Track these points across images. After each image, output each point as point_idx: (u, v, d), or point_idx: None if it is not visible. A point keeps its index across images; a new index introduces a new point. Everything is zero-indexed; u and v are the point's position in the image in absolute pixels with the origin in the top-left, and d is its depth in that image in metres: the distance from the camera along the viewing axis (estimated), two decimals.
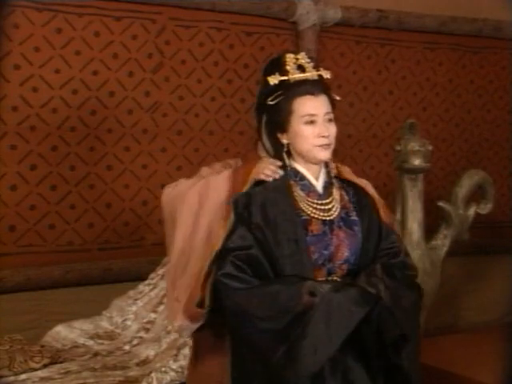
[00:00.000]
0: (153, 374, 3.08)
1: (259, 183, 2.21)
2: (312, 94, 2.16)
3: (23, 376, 3.14)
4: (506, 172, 4.96)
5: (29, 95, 3.63)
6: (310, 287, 2.05)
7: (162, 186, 3.93)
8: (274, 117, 2.20)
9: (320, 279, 2.12)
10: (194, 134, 4.05)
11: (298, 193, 2.19)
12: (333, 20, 4.29)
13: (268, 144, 2.28)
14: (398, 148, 2.82)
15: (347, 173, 2.33)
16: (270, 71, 2.21)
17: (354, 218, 2.20)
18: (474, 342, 3.92)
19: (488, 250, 4.66)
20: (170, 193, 2.49)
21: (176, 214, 2.38)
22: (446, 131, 4.79)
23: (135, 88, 3.88)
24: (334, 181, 2.24)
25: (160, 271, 3.71)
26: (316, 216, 2.16)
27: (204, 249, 2.22)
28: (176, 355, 3.21)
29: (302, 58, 2.21)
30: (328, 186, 2.21)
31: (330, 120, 2.18)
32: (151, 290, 3.67)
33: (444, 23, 4.65)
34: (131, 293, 3.71)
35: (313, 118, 2.15)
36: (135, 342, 3.49)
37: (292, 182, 2.20)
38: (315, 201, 2.18)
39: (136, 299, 3.67)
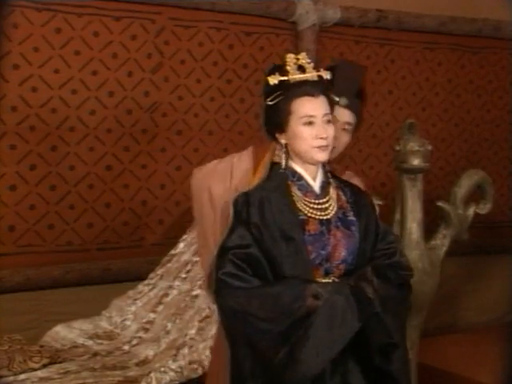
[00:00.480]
0: (152, 374, 3.09)
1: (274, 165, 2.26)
2: (311, 95, 2.15)
3: (22, 376, 3.14)
4: (506, 172, 4.96)
5: (28, 95, 3.63)
6: (313, 290, 2.05)
7: (162, 186, 4.01)
8: (272, 117, 2.21)
9: (321, 280, 2.13)
10: (194, 134, 4.05)
11: (296, 193, 2.19)
12: (332, 20, 4.29)
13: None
14: (398, 148, 2.81)
15: (346, 175, 2.36)
16: (271, 71, 2.21)
17: (352, 218, 2.21)
18: (473, 342, 3.93)
19: (487, 249, 4.67)
20: (198, 172, 2.66)
21: (204, 191, 2.55)
22: (445, 131, 4.79)
23: (134, 88, 3.88)
24: (332, 180, 2.24)
25: (159, 271, 3.71)
26: (313, 216, 2.16)
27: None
28: (175, 355, 3.22)
29: (303, 59, 2.20)
30: (325, 185, 2.22)
31: (328, 121, 2.17)
32: (150, 290, 3.67)
33: (443, 23, 4.64)
34: (130, 293, 3.71)
35: (311, 120, 2.15)
36: (134, 342, 3.49)
37: (289, 182, 2.20)
38: (312, 200, 2.18)
39: (135, 299, 3.67)
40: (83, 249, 3.81)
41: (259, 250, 2.11)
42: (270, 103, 2.18)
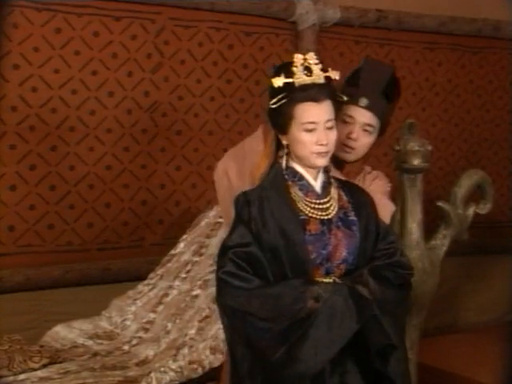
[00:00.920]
0: (152, 374, 3.08)
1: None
2: (315, 100, 2.12)
3: (22, 376, 3.14)
4: (506, 172, 4.96)
5: (28, 95, 3.63)
6: (314, 292, 2.06)
7: (162, 186, 4.01)
8: (275, 119, 2.20)
9: (321, 280, 2.13)
10: (194, 134, 4.05)
11: (297, 193, 2.19)
12: (332, 20, 4.29)
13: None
14: (397, 148, 2.80)
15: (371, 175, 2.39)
16: (276, 72, 2.17)
17: (353, 217, 2.20)
18: (473, 342, 3.93)
19: (487, 250, 4.67)
20: (219, 164, 2.68)
21: (224, 177, 2.60)
22: (445, 131, 4.80)
23: (134, 88, 3.88)
24: (333, 180, 2.24)
25: (159, 271, 3.71)
26: (314, 216, 2.16)
27: None
28: (175, 355, 3.21)
29: (311, 59, 2.15)
30: (326, 185, 2.21)
31: (330, 127, 2.15)
32: (150, 290, 3.67)
33: (443, 23, 4.65)
34: (130, 293, 3.71)
35: (313, 126, 2.13)
36: (134, 342, 3.49)
37: (290, 183, 2.20)
38: (313, 200, 2.18)
39: (135, 299, 3.67)
40: (83, 249, 3.81)
41: (259, 248, 2.11)
42: (273, 106, 2.16)
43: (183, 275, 3.63)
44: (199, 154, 4.05)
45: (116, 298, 3.72)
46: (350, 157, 2.61)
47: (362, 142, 2.56)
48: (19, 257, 3.65)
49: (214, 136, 4.09)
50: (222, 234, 3.28)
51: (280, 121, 2.17)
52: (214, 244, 3.52)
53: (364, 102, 2.54)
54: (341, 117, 2.43)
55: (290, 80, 2.13)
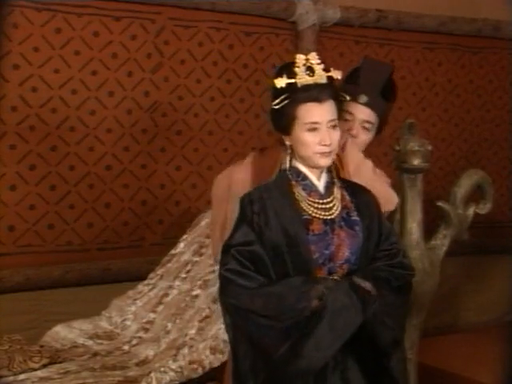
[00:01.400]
0: (152, 374, 3.08)
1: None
2: (318, 100, 2.12)
3: (22, 376, 3.13)
4: (506, 172, 4.96)
5: (28, 95, 3.63)
6: (319, 291, 2.06)
7: (162, 186, 4.00)
8: (277, 120, 2.20)
9: (322, 277, 2.13)
10: (194, 134, 4.05)
11: (300, 193, 2.19)
12: (332, 20, 4.29)
13: None
14: (397, 148, 2.81)
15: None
16: (279, 72, 2.17)
17: (355, 218, 2.21)
18: (473, 342, 3.93)
19: (487, 250, 4.66)
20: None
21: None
22: (445, 131, 4.79)
23: (134, 88, 3.88)
24: (336, 180, 2.24)
25: (159, 271, 3.70)
26: (317, 216, 2.16)
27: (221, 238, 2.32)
28: (175, 355, 3.21)
29: (313, 59, 2.15)
30: (330, 185, 2.22)
31: (333, 126, 2.15)
32: (150, 290, 3.67)
33: (443, 23, 4.65)
34: (130, 293, 3.71)
35: (315, 126, 2.13)
36: (134, 342, 3.48)
37: (293, 182, 2.20)
38: (316, 200, 2.18)
39: (135, 299, 3.67)
40: (83, 249, 3.81)
41: (262, 247, 2.12)
42: (275, 107, 2.16)
43: (183, 275, 3.62)
44: (199, 153, 4.05)
45: (116, 298, 3.71)
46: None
47: (361, 138, 2.57)
48: (19, 257, 3.65)
49: (214, 136, 4.10)
50: None
51: (283, 121, 2.17)
52: None
53: (363, 98, 2.55)
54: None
55: (292, 80, 2.13)
